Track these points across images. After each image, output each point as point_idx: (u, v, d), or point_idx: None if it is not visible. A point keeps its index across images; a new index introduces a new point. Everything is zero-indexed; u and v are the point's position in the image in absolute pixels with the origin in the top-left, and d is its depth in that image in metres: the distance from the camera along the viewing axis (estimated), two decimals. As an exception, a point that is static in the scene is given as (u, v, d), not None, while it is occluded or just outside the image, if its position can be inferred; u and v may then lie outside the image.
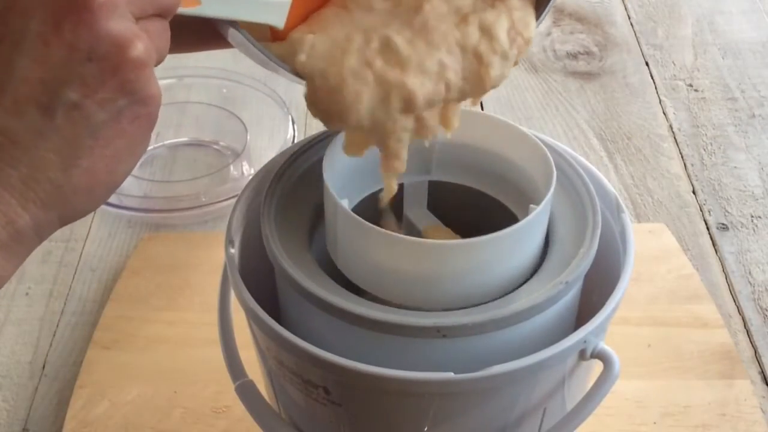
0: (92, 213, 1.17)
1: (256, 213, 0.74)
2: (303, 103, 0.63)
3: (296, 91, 0.67)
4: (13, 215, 0.52)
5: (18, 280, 1.12)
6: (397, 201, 0.79)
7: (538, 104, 1.36)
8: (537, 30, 0.68)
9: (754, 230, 1.20)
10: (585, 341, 0.68)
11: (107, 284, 1.11)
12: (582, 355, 0.69)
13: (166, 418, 0.97)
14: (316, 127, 0.70)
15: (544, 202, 0.68)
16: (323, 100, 0.63)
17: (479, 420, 0.70)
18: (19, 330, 1.07)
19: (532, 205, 0.68)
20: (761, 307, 1.12)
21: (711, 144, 1.29)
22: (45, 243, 0.57)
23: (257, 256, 0.73)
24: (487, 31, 0.64)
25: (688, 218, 1.21)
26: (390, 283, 0.68)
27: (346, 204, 0.68)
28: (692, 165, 1.26)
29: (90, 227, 1.18)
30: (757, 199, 1.22)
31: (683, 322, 1.08)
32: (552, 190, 0.68)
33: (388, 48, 0.63)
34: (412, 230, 0.79)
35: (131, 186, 1.20)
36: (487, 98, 1.27)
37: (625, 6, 1.53)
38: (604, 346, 0.69)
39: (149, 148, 1.27)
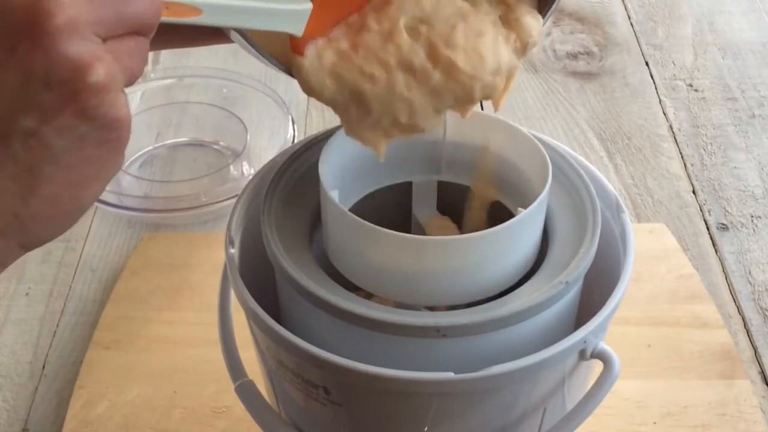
0: (93, 212, 1.18)
1: (256, 213, 0.74)
2: (303, 103, 0.63)
3: (296, 91, 0.66)
4: None
5: (18, 281, 1.12)
6: (407, 201, 0.80)
7: (538, 104, 1.36)
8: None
9: (754, 230, 1.20)
10: (585, 341, 0.68)
11: (107, 284, 1.11)
12: (582, 355, 0.69)
13: (165, 419, 0.97)
14: (316, 127, 0.71)
15: (538, 200, 0.68)
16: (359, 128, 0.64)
17: (479, 420, 0.70)
18: (19, 330, 1.07)
19: (519, 208, 0.69)
20: (761, 307, 1.12)
21: (711, 144, 1.30)
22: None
23: (257, 256, 0.73)
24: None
25: (688, 218, 1.21)
26: (385, 281, 0.68)
27: (336, 195, 0.67)
28: (692, 165, 1.26)
29: (90, 227, 1.18)
30: (757, 199, 1.22)
31: (683, 322, 1.08)
32: (547, 188, 0.68)
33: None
34: (419, 229, 0.80)
35: (131, 186, 1.20)
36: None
37: (625, 6, 1.53)
38: (604, 346, 0.69)
39: (149, 148, 1.27)
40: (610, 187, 0.78)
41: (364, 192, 0.78)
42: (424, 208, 0.81)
